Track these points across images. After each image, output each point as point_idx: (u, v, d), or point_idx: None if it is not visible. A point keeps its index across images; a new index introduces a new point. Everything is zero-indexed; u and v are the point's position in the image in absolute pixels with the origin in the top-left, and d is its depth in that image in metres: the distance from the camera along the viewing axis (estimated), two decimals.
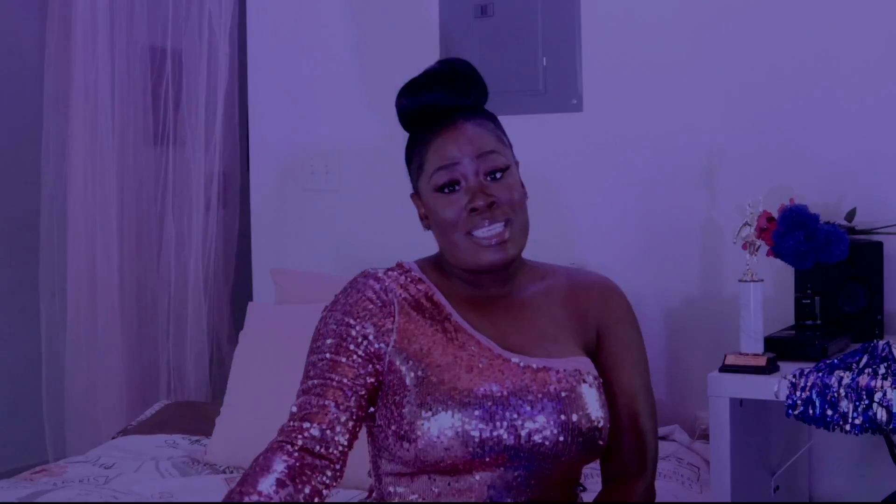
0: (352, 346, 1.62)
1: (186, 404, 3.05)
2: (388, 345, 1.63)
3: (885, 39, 2.56)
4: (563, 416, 1.59)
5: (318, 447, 1.57)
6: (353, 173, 3.18)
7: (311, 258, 3.18)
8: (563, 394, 1.61)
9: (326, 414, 1.58)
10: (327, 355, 1.62)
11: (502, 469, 1.59)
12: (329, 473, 1.58)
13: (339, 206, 3.19)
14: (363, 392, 1.62)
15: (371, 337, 1.63)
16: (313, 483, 1.56)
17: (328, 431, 1.58)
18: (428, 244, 1.80)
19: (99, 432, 3.24)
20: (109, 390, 3.28)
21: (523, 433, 1.58)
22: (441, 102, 1.70)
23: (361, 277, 1.70)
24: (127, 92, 3.32)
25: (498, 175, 1.66)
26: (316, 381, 1.61)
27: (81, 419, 3.31)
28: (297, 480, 1.54)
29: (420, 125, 1.72)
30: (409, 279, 1.70)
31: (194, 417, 2.89)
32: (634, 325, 1.78)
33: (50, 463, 2.81)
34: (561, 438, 1.59)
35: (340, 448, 1.59)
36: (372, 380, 1.62)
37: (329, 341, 1.63)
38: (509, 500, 1.60)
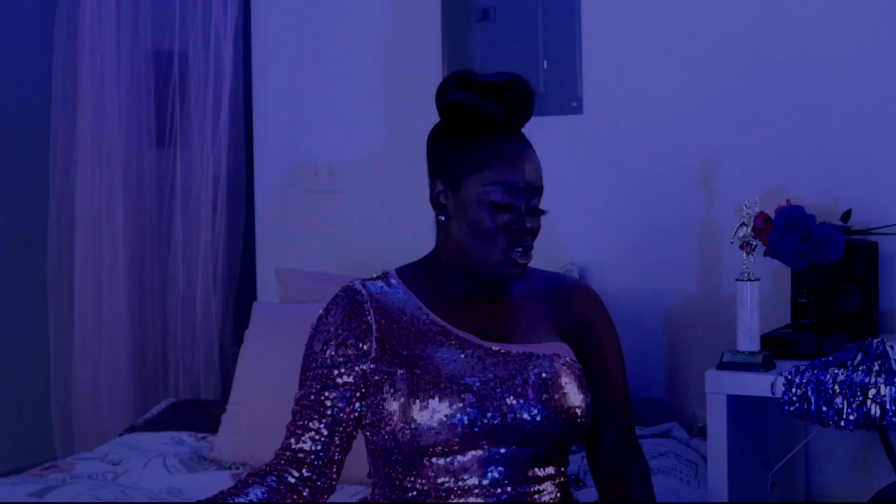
0: (338, 367, 1.72)
1: (192, 402, 3.08)
2: (369, 358, 1.71)
3: (881, 42, 2.60)
4: (544, 396, 1.68)
5: (311, 468, 1.71)
6: (356, 175, 3.20)
7: (315, 258, 3.21)
8: (544, 375, 1.69)
9: (317, 435, 1.71)
10: (316, 382, 1.73)
11: (493, 448, 1.66)
12: (323, 488, 1.72)
13: (343, 207, 3.22)
14: (353, 409, 1.72)
15: (353, 356, 1.72)
16: (304, 495, 1.70)
17: (321, 451, 1.71)
18: (430, 243, 1.83)
19: (106, 430, 3.27)
20: (116, 389, 3.31)
21: (509, 415, 1.66)
22: (501, 114, 1.74)
23: (342, 292, 1.78)
24: (133, 94, 3.35)
25: (536, 210, 1.75)
26: (306, 404, 1.73)
27: (89, 417, 3.34)
28: (288, 493, 1.69)
29: (468, 124, 1.74)
30: (389, 288, 1.78)
31: (200, 415, 2.93)
32: (611, 323, 1.87)
33: (58, 460, 2.85)
34: (544, 418, 1.67)
35: (334, 466, 1.73)
36: (360, 393, 1.72)
37: (315, 369, 1.74)
38: (506, 473, 1.67)
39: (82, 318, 3.31)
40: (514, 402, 1.67)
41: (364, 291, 1.76)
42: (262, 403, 2.62)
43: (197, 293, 3.32)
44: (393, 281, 1.79)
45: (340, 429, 1.71)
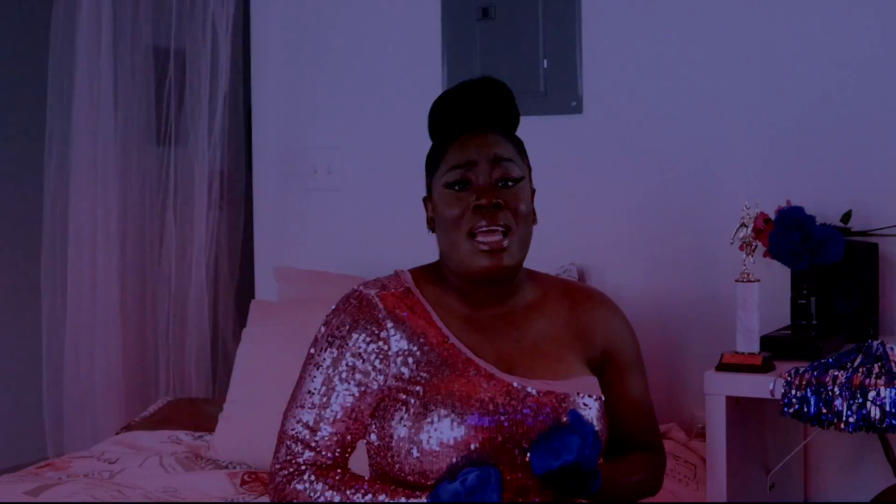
0: (346, 378, 1.65)
1: (189, 401, 3.07)
2: (384, 375, 1.64)
3: (882, 43, 2.59)
4: None
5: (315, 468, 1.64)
6: (355, 173, 3.20)
7: (313, 257, 3.20)
8: (564, 419, 1.63)
9: (320, 443, 1.64)
10: (322, 387, 1.65)
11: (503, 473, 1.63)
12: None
13: (342, 205, 3.21)
14: (359, 424, 1.66)
15: (366, 370, 1.64)
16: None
17: (324, 455, 1.65)
18: (430, 246, 1.82)
19: (98, 428, 3.25)
20: (109, 387, 3.30)
21: (518, 457, 1.61)
22: (474, 114, 1.71)
23: (354, 300, 1.68)
24: (130, 91, 3.34)
25: (510, 183, 1.67)
26: (311, 411, 1.65)
27: (81, 416, 3.32)
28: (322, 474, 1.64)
29: (446, 132, 1.73)
30: (404, 299, 1.68)
31: (197, 414, 2.92)
32: (633, 334, 1.83)
33: (49, 458, 2.83)
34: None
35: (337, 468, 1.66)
36: (366, 406, 1.65)
37: (320, 377, 1.66)
38: (512, 490, 1.63)
39: (76, 316, 3.30)
40: (527, 444, 1.60)
41: (381, 305, 1.66)
42: (259, 402, 2.61)
43: (192, 291, 3.30)
44: (411, 293, 1.69)
45: (341, 439, 1.65)
